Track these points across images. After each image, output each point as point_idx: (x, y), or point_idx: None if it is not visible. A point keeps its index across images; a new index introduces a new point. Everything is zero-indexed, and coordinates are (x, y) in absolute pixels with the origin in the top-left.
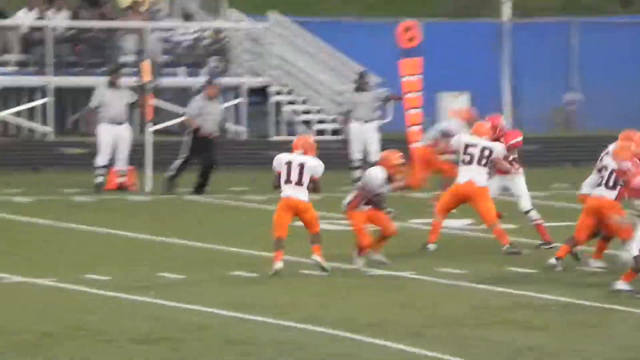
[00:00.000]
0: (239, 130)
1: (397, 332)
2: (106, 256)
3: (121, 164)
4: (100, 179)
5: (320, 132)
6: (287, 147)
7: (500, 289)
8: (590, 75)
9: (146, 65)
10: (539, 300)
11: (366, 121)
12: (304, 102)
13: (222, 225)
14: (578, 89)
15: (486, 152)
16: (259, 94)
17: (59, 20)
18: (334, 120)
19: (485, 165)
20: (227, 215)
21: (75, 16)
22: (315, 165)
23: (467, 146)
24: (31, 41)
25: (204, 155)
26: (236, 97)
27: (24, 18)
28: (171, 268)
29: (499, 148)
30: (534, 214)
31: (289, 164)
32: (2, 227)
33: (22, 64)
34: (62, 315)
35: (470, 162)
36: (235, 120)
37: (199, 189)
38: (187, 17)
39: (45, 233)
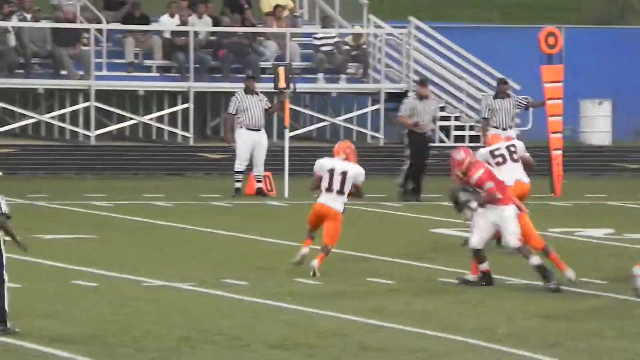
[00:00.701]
0: (377, 136)
1: (535, 342)
2: (244, 261)
3: (259, 170)
4: (238, 184)
5: (459, 139)
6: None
7: (621, 297)
8: None
9: (282, 71)
10: None
11: (505, 128)
12: (442, 109)
13: (359, 232)
14: None
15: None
16: (397, 99)
17: (201, 26)
18: (472, 127)
19: None
20: (364, 222)
21: (217, 22)
22: (357, 174)
23: None
24: (174, 46)
25: (417, 158)
26: (374, 103)
27: (167, 23)
28: (308, 274)
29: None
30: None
31: (331, 171)
32: (143, 232)
33: (164, 69)
34: (200, 319)
35: None
36: (373, 127)
37: (414, 194)
38: (327, 22)
39: (185, 238)
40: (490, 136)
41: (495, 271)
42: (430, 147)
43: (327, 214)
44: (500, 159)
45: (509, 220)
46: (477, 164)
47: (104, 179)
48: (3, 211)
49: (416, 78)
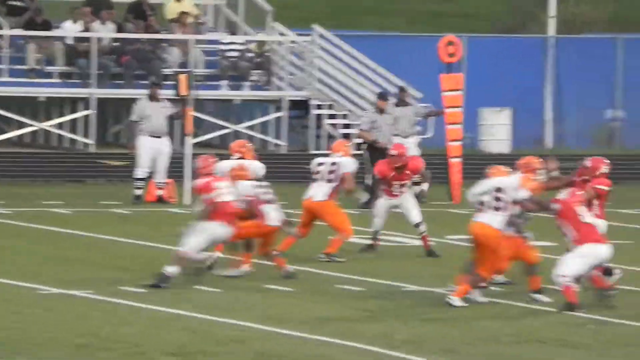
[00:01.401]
0: (280, 143)
1: (433, 348)
2: (144, 269)
3: (160, 177)
4: (139, 191)
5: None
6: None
7: (534, 307)
8: (634, 93)
9: (183, 78)
10: (576, 318)
11: (405, 136)
12: (344, 116)
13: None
14: (621, 106)
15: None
16: (300, 107)
17: (104, 32)
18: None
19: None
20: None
21: (120, 28)
22: (256, 169)
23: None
24: (76, 53)
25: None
26: (277, 110)
27: (70, 30)
28: (208, 281)
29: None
30: (422, 227)
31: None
32: (42, 239)
33: (66, 75)
34: (98, 327)
35: None
36: (276, 134)
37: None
38: (232, 30)
39: (84, 245)
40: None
41: (392, 278)
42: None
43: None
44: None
45: None
46: None
47: (3, 186)
48: None
49: (320, 86)
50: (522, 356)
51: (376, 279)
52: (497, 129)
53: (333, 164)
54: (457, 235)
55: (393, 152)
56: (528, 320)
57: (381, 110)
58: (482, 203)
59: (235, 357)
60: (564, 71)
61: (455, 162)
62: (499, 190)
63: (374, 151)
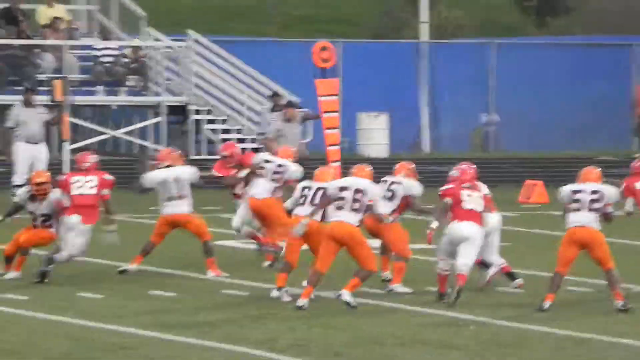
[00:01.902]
0: (159, 149)
1: (317, 352)
2: (26, 275)
3: None
4: (17, 198)
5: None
6: (207, 165)
7: (418, 309)
8: (508, 96)
9: (58, 84)
10: (457, 320)
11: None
12: (223, 122)
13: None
14: (496, 110)
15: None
16: (179, 113)
17: None
18: (253, 140)
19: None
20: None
21: None
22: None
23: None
24: None
25: None
26: (155, 115)
27: None
28: (91, 288)
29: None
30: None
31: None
32: None
33: None
34: None
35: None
36: (155, 139)
37: None
38: (106, 35)
39: None
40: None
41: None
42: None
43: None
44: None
45: None
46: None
47: None
48: None
49: (197, 92)
50: (405, 357)
51: (261, 284)
52: (374, 134)
53: (280, 165)
54: None
55: (224, 152)
56: (411, 322)
57: (288, 119)
58: (342, 199)
59: None
60: (438, 76)
61: (335, 167)
62: (358, 191)
63: None
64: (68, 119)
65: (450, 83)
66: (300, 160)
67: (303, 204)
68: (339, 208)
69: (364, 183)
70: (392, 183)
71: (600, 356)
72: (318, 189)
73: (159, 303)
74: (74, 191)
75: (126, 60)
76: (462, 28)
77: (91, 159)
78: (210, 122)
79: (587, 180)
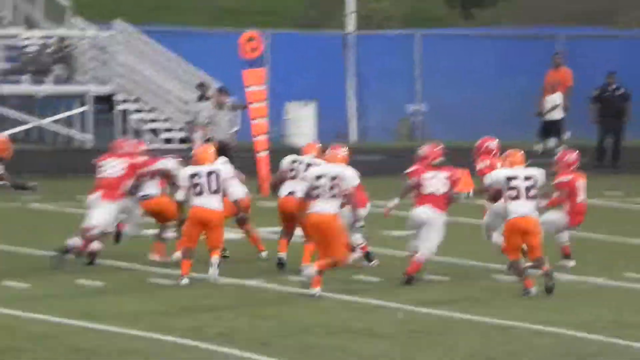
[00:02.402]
0: (85, 138)
1: (245, 341)
2: None
3: None
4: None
5: (168, 141)
6: None
7: (346, 297)
8: (434, 86)
9: None
10: (383, 308)
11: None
12: (150, 111)
13: (68, 234)
14: (422, 100)
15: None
16: (105, 102)
17: None
18: (181, 129)
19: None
20: (71, 222)
21: None
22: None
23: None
24: None
25: None
26: (82, 105)
27: None
28: (15, 276)
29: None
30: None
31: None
32: None
33: None
34: None
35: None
36: (81, 129)
37: None
38: (31, 24)
39: None
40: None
41: (205, 271)
42: (231, 154)
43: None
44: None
45: None
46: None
47: None
48: None
49: (124, 81)
50: (333, 346)
51: (192, 274)
52: (302, 123)
53: (309, 165)
54: (268, 228)
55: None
56: (339, 311)
57: (220, 105)
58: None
59: (47, 352)
60: (365, 66)
61: (263, 156)
62: (334, 178)
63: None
64: None
65: (377, 73)
66: (225, 149)
67: (200, 193)
68: (317, 197)
69: (339, 169)
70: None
71: (525, 344)
72: (209, 173)
73: (85, 292)
74: (101, 173)
75: (52, 49)
76: (390, 19)
77: (127, 145)
78: (137, 111)
79: (516, 164)
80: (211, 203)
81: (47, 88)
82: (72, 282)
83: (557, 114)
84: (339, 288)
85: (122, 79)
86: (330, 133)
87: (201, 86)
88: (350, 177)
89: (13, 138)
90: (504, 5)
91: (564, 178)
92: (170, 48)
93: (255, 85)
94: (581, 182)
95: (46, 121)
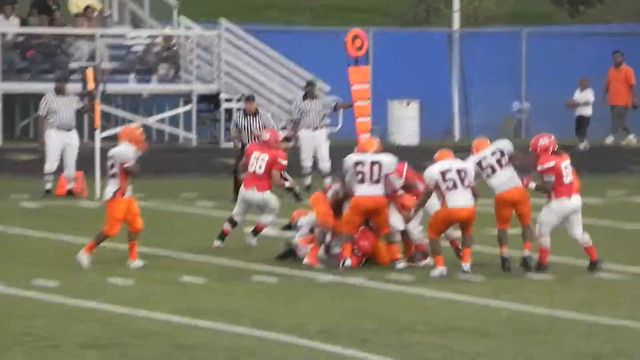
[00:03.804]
0: (189, 137)
1: (347, 338)
2: (55, 262)
3: (70, 171)
4: (49, 185)
5: None
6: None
7: (449, 296)
8: (538, 84)
9: (90, 72)
10: (488, 307)
11: (315, 128)
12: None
13: (171, 231)
14: (527, 97)
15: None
16: (210, 101)
17: (9, 27)
18: (283, 128)
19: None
20: (176, 222)
21: (24, 23)
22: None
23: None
24: None
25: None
26: (186, 103)
27: None
28: (121, 273)
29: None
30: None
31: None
32: None
33: None
34: (9, 321)
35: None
36: (185, 127)
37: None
38: (137, 23)
39: None
40: (438, 154)
41: (307, 268)
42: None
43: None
44: (450, 184)
45: None
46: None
47: None
48: None
49: (229, 80)
50: (436, 345)
51: (290, 270)
52: (405, 122)
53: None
54: None
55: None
56: (442, 309)
57: (246, 113)
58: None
59: (151, 349)
60: (469, 64)
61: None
62: (375, 163)
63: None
64: (99, 107)
65: (481, 71)
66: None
67: (362, 181)
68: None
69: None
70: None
71: (633, 342)
72: (372, 163)
73: (189, 289)
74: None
75: (157, 48)
76: (494, 18)
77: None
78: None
79: (481, 149)
80: (374, 191)
81: (153, 87)
82: (176, 279)
83: (587, 111)
84: (442, 286)
85: (227, 77)
86: (433, 132)
87: (310, 85)
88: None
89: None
90: (610, 2)
91: (548, 164)
92: (274, 47)
93: (360, 83)
94: (566, 163)
95: (151, 120)
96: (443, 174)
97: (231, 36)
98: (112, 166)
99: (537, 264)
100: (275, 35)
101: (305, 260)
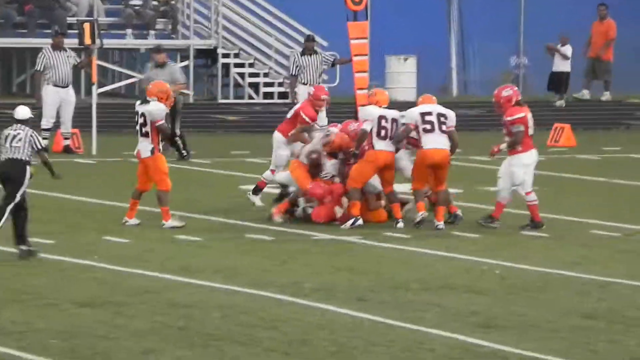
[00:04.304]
0: (186, 92)
1: (342, 296)
2: (51, 220)
3: (67, 127)
4: (45, 142)
5: (268, 95)
6: (234, 110)
7: (443, 254)
8: (536, 40)
9: (87, 27)
10: (482, 264)
11: (312, 84)
12: (251, 65)
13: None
14: (524, 53)
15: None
16: (206, 56)
17: None
18: (280, 84)
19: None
20: (172, 178)
21: None
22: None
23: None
24: None
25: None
26: (184, 59)
27: None
28: (117, 232)
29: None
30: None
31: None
32: None
33: None
34: (5, 279)
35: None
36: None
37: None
38: None
39: None
40: (421, 98)
41: (302, 227)
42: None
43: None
44: (428, 126)
45: None
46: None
47: None
48: (43, 146)
49: (226, 35)
50: (430, 302)
51: (286, 229)
52: (402, 77)
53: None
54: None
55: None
56: (435, 267)
57: (158, 65)
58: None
59: (147, 307)
60: (467, 19)
61: None
62: (442, 115)
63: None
64: (96, 62)
65: (479, 26)
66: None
67: (384, 137)
68: (429, 131)
69: (444, 108)
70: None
71: (625, 300)
72: (393, 120)
73: (184, 248)
74: None
75: (155, 3)
76: None
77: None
78: (238, 65)
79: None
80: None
81: (150, 42)
82: (172, 237)
83: (565, 66)
84: (436, 244)
85: (224, 32)
86: (430, 87)
87: (309, 40)
88: (454, 116)
89: (115, 93)
90: None
91: (518, 114)
92: (272, 1)
93: (359, 38)
94: (529, 115)
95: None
96: (423, 115)
97: None
98: (145, 124)
99: (488, 217)
100: None
101: (272, 211)
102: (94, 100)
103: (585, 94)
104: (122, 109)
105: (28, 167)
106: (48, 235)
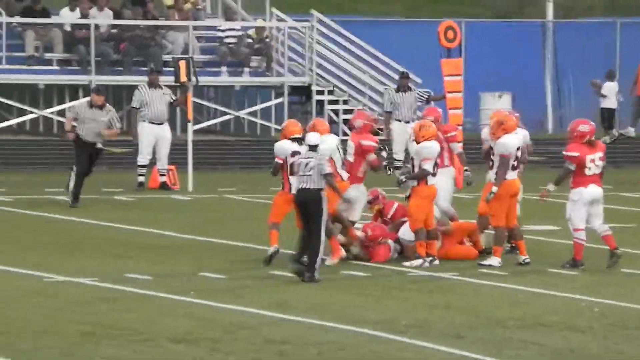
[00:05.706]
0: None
1: (438, 333)
2: (148, 255)
3: (162, 163)
4: (142, 178)
5: None
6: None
7: (540, 291)
8: (632, 76)
9: (183, 64)
10: (580, 302)
11: (407, 121)
12: (345, 102)
13: (259, 225)
14: (620, 90)
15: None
16: (301, 93)
17: (102, 19)
18: (375, 120)
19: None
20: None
21: (118, 15)
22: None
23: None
24: (74, 40)
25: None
26: (278, 96)
27: (67, 17)
28: (212, 268)
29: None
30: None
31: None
32: (44, 226)
33: (65, 62)
34: (102, 314)
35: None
36: (277, 120)
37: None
38: (230, 16)
39: (87, 232)
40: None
41: (397, 264)
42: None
43: None
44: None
45: None
46: None
47: (3, 174)
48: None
49: (320, 72)
50: (528, 341)
51: (381, 265)
52: None
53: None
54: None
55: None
56: (532, 304)
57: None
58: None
59: (242, 343)
60: (563, 55)
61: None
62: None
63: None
64: (192, 99)
65: (575, 62)
66: None
67: (514, 167)
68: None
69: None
70: None
71: None
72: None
73: (279, 283)
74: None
75: (250, 40)
76: (592, 9)
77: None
78: (332, 102)
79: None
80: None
81: (245, 79)
82: (266, 273)
83: (611, 103)
84: (532, 281)
85: (318, 69)
86: (525, 124)
87: (404, 77)
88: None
89: (210, 130)
90: None
91: (573, 152)
92: (367, 38)
93: (453, 75)
94: (593, 156)
95: (243, 112)
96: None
97: (323, 28)
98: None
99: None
100: (367, 27)
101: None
102: (190, 137)
103: (630, 131)
104: (217, 145)
105: None
106: (143, 270)
